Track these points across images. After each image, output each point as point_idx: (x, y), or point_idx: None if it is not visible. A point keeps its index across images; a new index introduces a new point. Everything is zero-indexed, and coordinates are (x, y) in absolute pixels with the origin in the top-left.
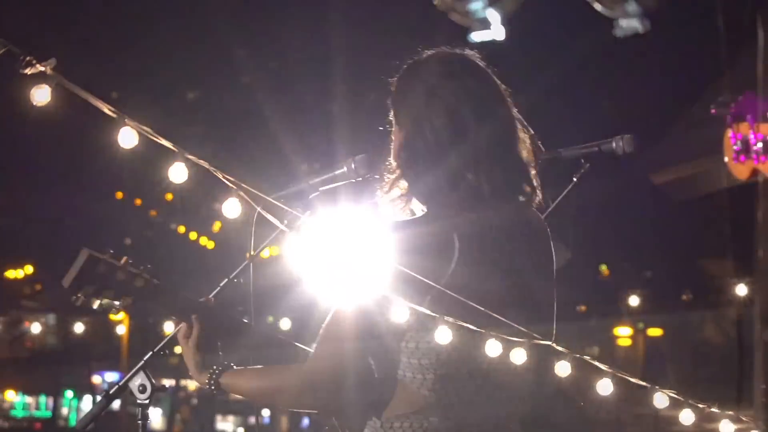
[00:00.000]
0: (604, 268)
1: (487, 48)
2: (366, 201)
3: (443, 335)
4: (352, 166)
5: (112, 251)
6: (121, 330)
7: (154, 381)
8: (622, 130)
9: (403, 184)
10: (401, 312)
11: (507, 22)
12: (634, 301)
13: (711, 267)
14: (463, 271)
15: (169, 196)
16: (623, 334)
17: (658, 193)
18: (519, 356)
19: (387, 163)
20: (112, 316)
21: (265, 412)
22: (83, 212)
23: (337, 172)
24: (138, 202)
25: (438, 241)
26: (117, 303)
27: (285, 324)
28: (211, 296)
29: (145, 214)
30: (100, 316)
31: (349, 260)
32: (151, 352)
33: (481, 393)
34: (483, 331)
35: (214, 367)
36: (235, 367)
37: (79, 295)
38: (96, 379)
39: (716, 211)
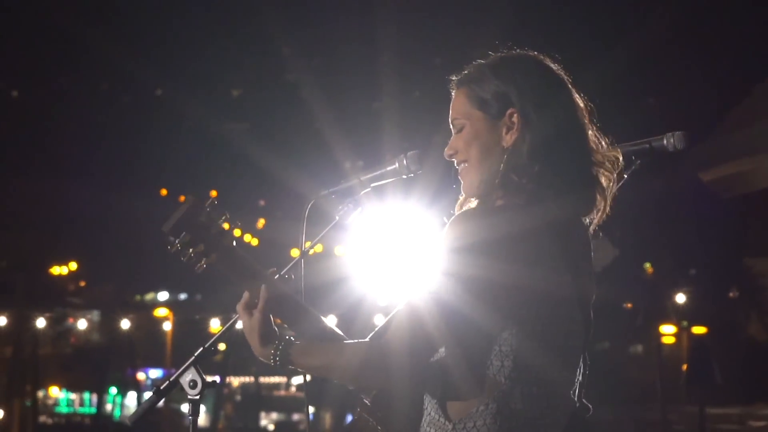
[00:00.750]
0: (648, 266)
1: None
2: (416, 197)
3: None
4: (404, 162)
5: (216, 202)
6: (167, 326)
7: (204, 377)
8: (669, 128)
9: (475, 176)
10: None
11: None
12: (679, 298)
13: (757, 265)
14: (542, 270)
15: (214, 193)
16: (667, 332)
17: (705, 190)
18: None
19: (450, 151)
20: (156, 313)
21: (311, 409)
22: (128, 209)
23: (388, 168)
24: (182, 198)
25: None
26: (204, 259)
27: (330, 321)
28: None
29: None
30: (145, 312)
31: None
32: (201, 348)
33: (543, 390)
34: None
35: (278, 341)
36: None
37: (176, 242)
38: (140, 375)
39: (762, 209)
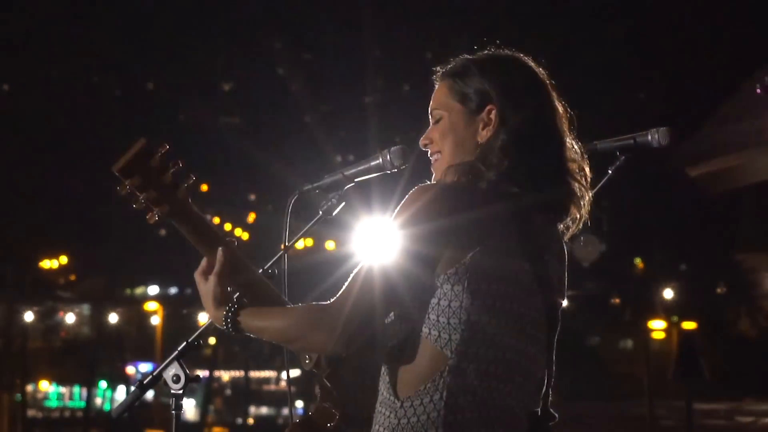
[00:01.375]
0: (638, 261)
1: (522, 41)
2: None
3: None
4: (388, 157)
5: (168, 147)
6: (155, 321)
7: (188, 371)
8: (658, 123)
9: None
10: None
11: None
12: (667, 294)
13: (746, 260)
14: (495, 247)
15: (204, 187)
16: (657, 327)
17: (694, 186)
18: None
19: (425, 141)
20: (146, 307)
21: (299, 403)
22: (117, 202)
23: (372, 163)
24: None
25: (492, 208)
26: (155, 209)
27: None
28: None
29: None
30: (135, 306)
31: (387, 215)
32: (185, 343)
33: (501, 369)
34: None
35: (230, 304)
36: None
37: (126, 183)
38: (130, 369)
39: (751, 204)
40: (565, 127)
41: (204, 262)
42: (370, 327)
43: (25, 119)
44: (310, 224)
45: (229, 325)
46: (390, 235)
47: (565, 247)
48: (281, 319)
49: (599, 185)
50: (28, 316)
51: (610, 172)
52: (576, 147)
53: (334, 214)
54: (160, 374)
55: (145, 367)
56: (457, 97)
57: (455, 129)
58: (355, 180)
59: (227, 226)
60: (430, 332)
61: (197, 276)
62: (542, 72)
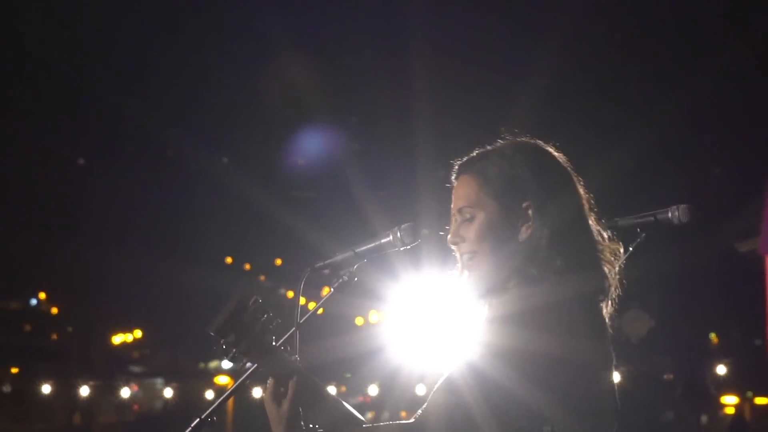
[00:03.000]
0: (713, 336)
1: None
2: (412, 269)
3: None
4: (398, 234)
5: (260, 300)
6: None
7: None
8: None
9: (479, 263)
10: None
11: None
12: (720, 370)
13: None
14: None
15: (278, 261)
16: (729, 402)
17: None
18: None
19: (456, 240)
20: (217, 380)
21: None
22: (193, 276)
23: (383, 240)
24: (247, 266)
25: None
26: (245, 358)
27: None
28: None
29: (255, 278)
30: (206, 379)
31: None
32: (198, 419)
33: None
34: None
35: None
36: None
37: (222, 342)
38: None
39: None
40: (587, 209)
41: (272, 382)
42: None
43: (100, 195)
44: (321, 302)
45: None
46: (478, 336)
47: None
48: None
49: (620, 262)
50: (83, 391)
51: (630, 249)
52: (600, 228)
53: (345, 291)
54: None
55: None
56: (490, 193)
57: (494, 229)
58: (366, 258)
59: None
60: None
61: (267, 398)
62: (561, 156)
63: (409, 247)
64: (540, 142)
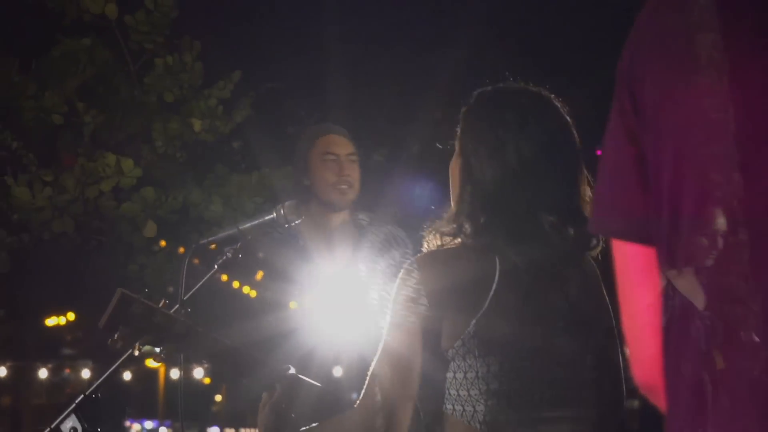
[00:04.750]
0: None
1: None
2: (292, 246)
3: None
4: (281, 212)
5: (146, 291)
6: (159, 377)
7: (85, 424)
8: None
9: (459, 216)
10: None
11: None
12: None
13: None
14: (500, 304)
15: (213, 246)
16: None
17: None
18: None
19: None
20: (148, 363)
21: None
22: (125, 259)
23: (266, 218)
24: (181, 250)
25: (480, 270)
26: (157, 350)
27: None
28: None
29: (189, 261)
30: (138, 363)
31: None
32: (82, 395)
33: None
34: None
35: None
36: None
37: (115, 336)
38: (136, 426)
39: None
40: (574, 138)
41: (266, 396)
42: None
43: None
44: (204, 279)
45: None
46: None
47: (591, 278)
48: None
49: None
50: (42, 374)
51: None
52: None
53: (229, 268)
54: (57, 427)
55: (149, 424)
56: (458, 139)
57: (453, 171)
58: (249, 236)
59: (235, 284)
60: (454, 408)
61: (262, 409)
62: (557, 103)
63: (293, 224)
64: (543, 91)
